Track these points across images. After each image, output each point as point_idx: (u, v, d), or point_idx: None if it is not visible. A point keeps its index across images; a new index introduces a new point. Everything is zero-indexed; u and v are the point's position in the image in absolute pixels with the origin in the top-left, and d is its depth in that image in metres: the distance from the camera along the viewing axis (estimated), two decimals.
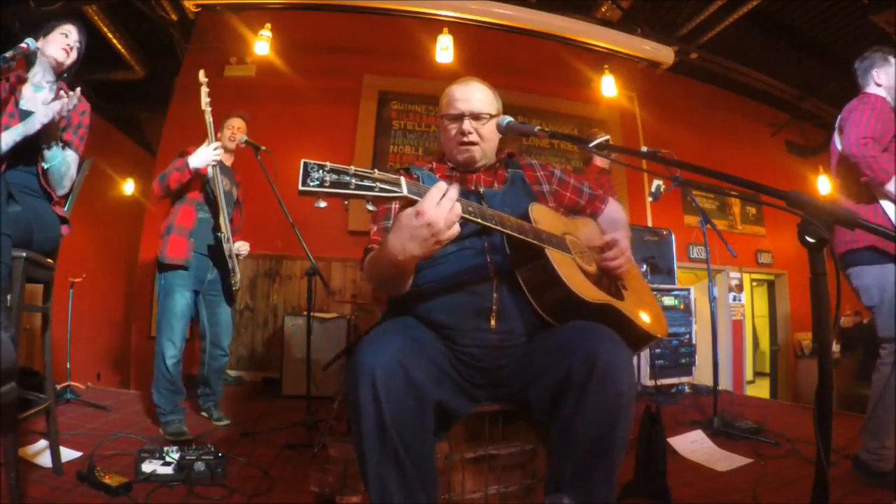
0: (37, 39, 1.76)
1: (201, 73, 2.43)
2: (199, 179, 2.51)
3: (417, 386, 0.92)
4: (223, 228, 2.51)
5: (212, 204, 2.55)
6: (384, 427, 0.89)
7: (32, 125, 1.61)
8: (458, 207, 0.90)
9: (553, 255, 1.12)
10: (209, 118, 2.40)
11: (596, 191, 1.48)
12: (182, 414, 2.47)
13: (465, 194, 1.24)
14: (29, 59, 1.72)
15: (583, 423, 0.94)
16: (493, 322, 1.13)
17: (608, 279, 1.27)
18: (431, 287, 1.17)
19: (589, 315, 1.10)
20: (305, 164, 0.83)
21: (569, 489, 0.95)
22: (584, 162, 3.42)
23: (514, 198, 1.28)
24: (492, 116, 1.29)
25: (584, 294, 1.11)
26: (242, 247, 2.72)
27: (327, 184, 0.83)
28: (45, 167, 1.75)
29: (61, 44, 1.80)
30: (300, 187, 0.82)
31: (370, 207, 0.90)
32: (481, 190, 1.28)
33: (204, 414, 2.73)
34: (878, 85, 2.01)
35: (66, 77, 1.89)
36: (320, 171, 0.84)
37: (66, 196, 1.86)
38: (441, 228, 0.88)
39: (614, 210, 1.48)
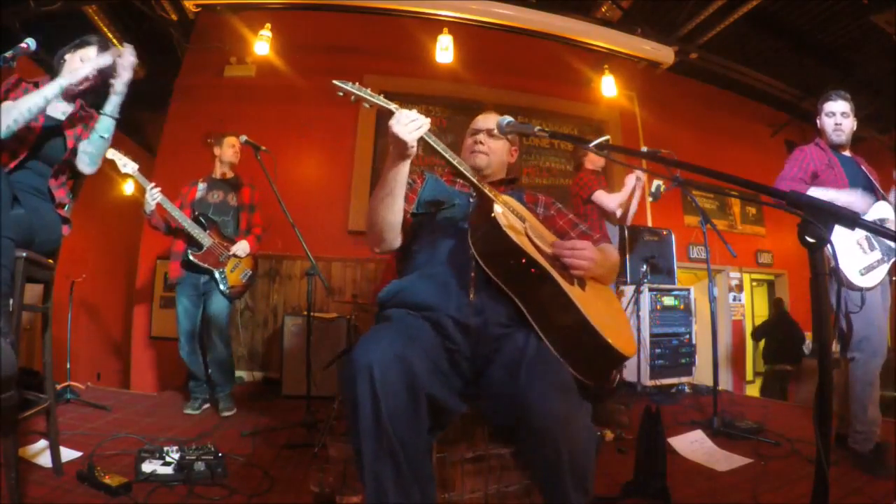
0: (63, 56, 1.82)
1: (113, 153, 2.62)
2: (189, 209, 2.91)
3: (412, 380, 0.94)
4: (204, 241, 2.83)
5: (196, 223, 2.87)
6: (381, 423, 0.90)
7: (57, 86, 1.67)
8: (419, 121, 1.18)
9: (500, 209, 1.20)
10: (139, 176, 2.69)
11: (595, 233, 1.47)
12: (201, 395, 2.89)
13: (460, 194, 1.45)
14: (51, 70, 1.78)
15: (532, 470, 1.03)
16: (472, 295, 1.19)
17: (562, 266, 1.23)
18: (418, 273, 1.28)
19: (532, 283, 1.15)
20: (345, 81, 1.18)
21: (543, 499, 1.03)
22: (576, 166, 3.40)
23: None
24: (504, 137, 1.50)
25: (524, 245, 1.15)
26: (239, 248, 2.92)
27: (349, 85, 1.17)
28: (103, 137, 1.82)
29: (80, 72, 1.79)
30: (335, 81, 1.17)
31: (366, 105, 1.20)
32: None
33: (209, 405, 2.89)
34: (821, 129, 2.35)
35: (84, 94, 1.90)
36: (351, 84, 1.18)
37: (81, 181, 1.90)
38: (404, 136, 1.16)
39: (605, 248, 1.42)
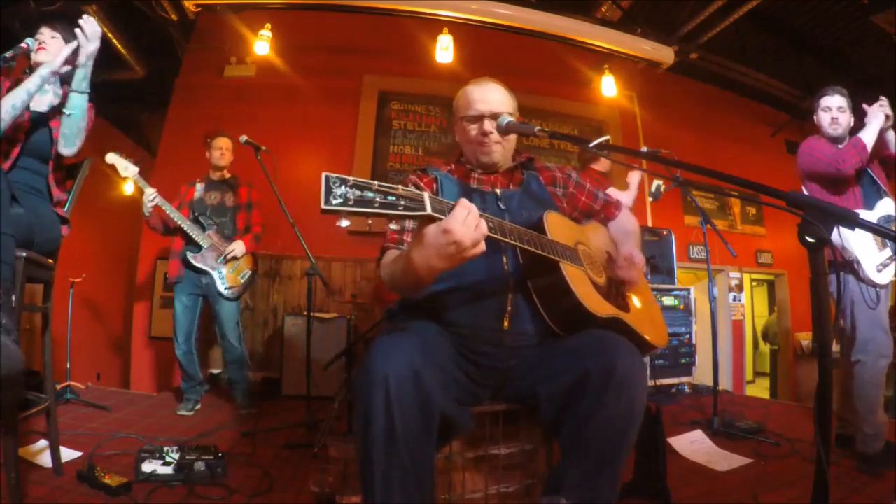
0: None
1: (112, 157, 2.72)
2: (187, 209, 2.94)
3: (427, 394, 0.92)
4: (203, 242, 2.86)
5: (194, 223, 2.91)
6: (394, 435, 0.88)
7: (33, 83, 1.62)
8: (483, 225, 0.89)
9: (567, 269, 1.13)
10: (139, 179, 2.72)
11: (610, 197, 1.48)
12: (194, 396, 2.90)
13: (482, 194, 1.27)
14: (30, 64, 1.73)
15: (595, 429, 0.97)
16: (506, 323, 1.16)
17: (616, 290, 1.29)
18: (448, 288, 1.18)
19: (597, 326, 1.14)
20: (327, 177, 0.78)
21: (571, 491, 0.97)
22: (582, 165, 3.40)
23: (529, 199, 1.30)
24: (510, 115, 1.29)
25: (595, 309, 1.13)
26: (235, 248, 2.91)
27: (351, 202, 0.79)
28: (67, 113, 1.71)
29: (35, 46, 1.78)
30: (323, 206, 0.77)
31: (393, 226, 0.89)
32: (498, 191, 1.29)
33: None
34: (818, 125, 2.32)
35: (68, 76, 1.87)
36: (343, 187, 0.78)
37: (72, 157, 1.81)
38: (468, 246, 0.88)
39: (627, 219, 1.48)
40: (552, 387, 1.06)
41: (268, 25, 4.11)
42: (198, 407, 2.90)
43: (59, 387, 2.78)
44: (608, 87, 4.73)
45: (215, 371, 3.60)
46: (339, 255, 4.02)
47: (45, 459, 1.80)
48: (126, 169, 2.70)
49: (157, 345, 3.83)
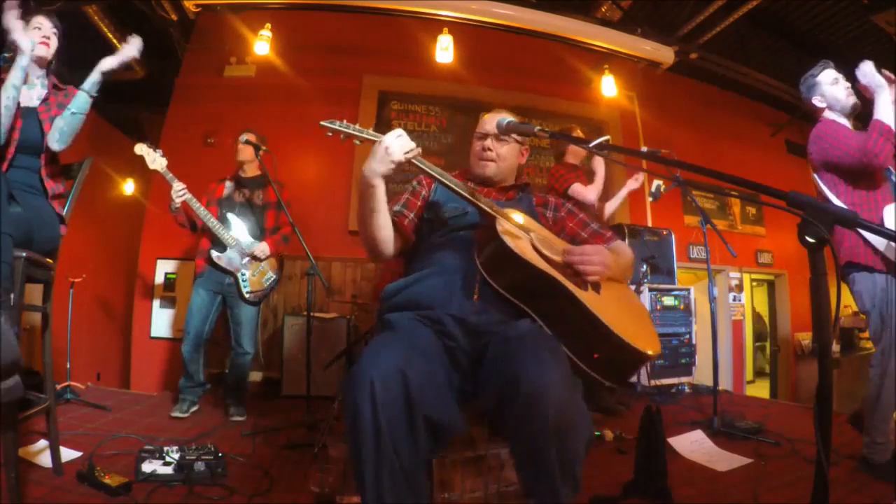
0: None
1: (141, 148, 2.73)
2: (215, 207, 2.88)
3: (413, 395, 0.94)
4: (228, 241, 2.78)
5: (221, 222, 2.84)
6: (381, 436, 0.91)
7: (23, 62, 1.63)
8: (411, 143, 1.20)
9: (502, 224, 1.21)
10: (167, 173, 2.69)
11: (604, 230, 1.47)
12: (190, 397, 2.81)
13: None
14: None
15: (518, 443, 0.99)
16: (475, 297, 1.22)
17: (574, 272, 1.23)
18: (422, 273, 1.30)
19: (543, 294, 1.15)
20: (332, 121, 1.28)
21: (528, 492, 1.00)
22: (556, 157, 3.37)
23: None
24: (513, 140, 1.49)
25: (529, 257, 1.15)
26: (259, 250, 2.84)
27: (336, 125, 1.26)
28: (73, 112, 1.74)
29: (38, 38, 1.78)
30: (322, 122, 1.27)
31: (357, 142, 1.26)
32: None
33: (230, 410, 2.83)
34: (823, 106, 2.14)
35: (53, 67, 1.87)
36: (337, 122, 1.27)
37: (59, 153, 1.83)
38: (394, 150, 1.18)
39: (618, 247, 1.44)
40: (489, 396, 1.07)
41: (268, 25, 4.11)
42: (193, 409, 2.81)
43: (59, 387, 2.78)
44: (608, 87, 4.73)
45: (215, 371, 3.59)
46: (339, 255, 4.02)
47: (45, 459, 1.80)
48: (154, 161, 2.64)
49: (157, 345, 3.83)
